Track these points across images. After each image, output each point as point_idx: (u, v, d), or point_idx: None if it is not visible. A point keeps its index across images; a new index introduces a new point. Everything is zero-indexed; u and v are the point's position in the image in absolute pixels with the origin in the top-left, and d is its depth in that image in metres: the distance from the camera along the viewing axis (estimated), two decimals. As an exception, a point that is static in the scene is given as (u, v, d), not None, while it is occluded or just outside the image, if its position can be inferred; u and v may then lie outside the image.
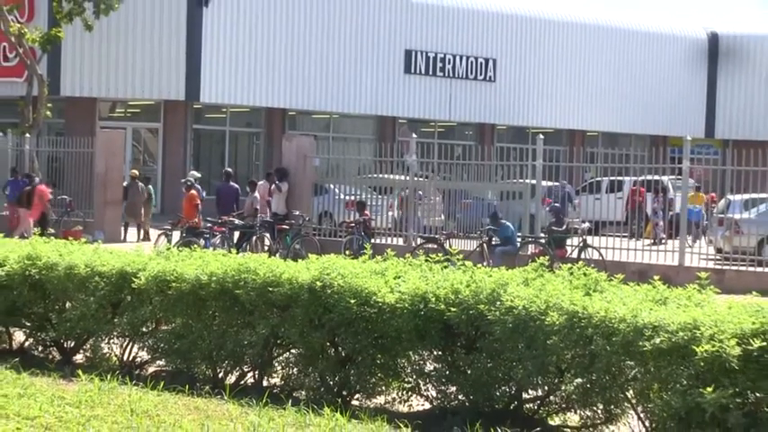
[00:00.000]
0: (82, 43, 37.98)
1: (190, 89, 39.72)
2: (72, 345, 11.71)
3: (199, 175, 30.79)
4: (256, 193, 28.75)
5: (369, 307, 9.38)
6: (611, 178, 32.51)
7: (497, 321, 8.86)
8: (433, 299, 9.20)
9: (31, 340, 12.11)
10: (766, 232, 24.79)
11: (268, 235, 26.19)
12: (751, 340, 7.69)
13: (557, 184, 29.33)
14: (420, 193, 28.57)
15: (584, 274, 9.49)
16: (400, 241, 26.58)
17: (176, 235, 25.57)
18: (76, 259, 11.34)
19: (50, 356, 11.78)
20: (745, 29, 53.48)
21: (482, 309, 8.98)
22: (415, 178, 28.43)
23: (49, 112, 36.17)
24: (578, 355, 8.55)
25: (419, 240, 25.94)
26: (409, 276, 9.72)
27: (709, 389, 7.58)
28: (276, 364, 10.39)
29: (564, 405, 9.15)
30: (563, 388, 9.00)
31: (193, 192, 27.76)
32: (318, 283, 9.65)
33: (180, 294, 10.35)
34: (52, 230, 24.35)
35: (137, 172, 33.14)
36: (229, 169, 32.18)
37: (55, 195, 29.76)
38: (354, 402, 9.74)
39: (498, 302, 8.94)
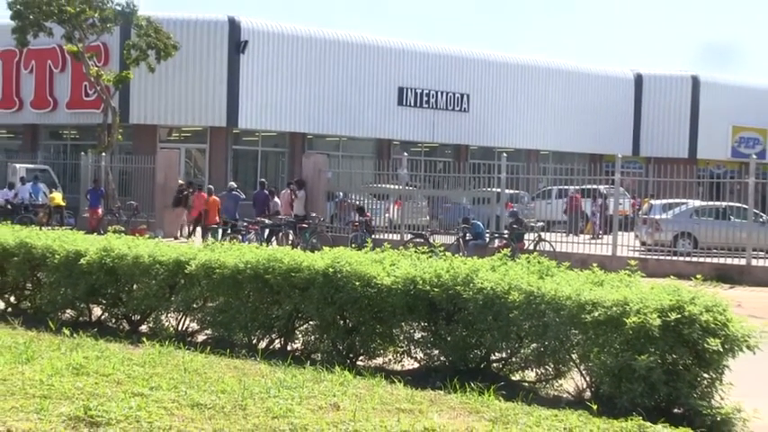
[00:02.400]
0: (146, 82, 38.01)
1: (230, 117, 39.81)
2: (138, 318, 11.72)
3: (235, 185, 30.78)
4: (277, 199, 28.88)
5: (370, 288, 9.39)
6: (559, 187, 32.58)
7: (471, 299, 8.88)
8: (421, 281, 9.21)
9: (106, 314, 12.12)
10: (680, 229, 24.87)
11: (291, 231, 26.28)
12: (669, 314, 7.72)
13: (519, 192, 29.39)
14: (351, 195, 28.80)
15: (539, 262, 9.53)
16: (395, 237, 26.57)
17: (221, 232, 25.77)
18: (142, 251, 11.35)
19: (121, 327, 11.78)
20: (661, 71, 53.56)
21: (459, 289, 9.00)
22: (406, 187, 28.45)
23: (120, 136, 36.22)
24: (534, 326, 8.57)
25: (409, 236, 25.96)
26: (402, 264, 9.73)
27: (644, 356, 7.59)
28: (298, 333, 10.41)
29: (523, 364, 9.16)
30: (522, 351, 9.02)
31: (214, 197, 27.88)
32: (331, 270, 9.67)
33: (222, 278, 10.35)
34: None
35: (182, 182, 33.13)
36: (263, 180, 32.27)
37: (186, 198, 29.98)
38: (359, 363, 9.75)
39: (471, 284, 8.96)
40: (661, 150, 50.25)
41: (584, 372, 8.53)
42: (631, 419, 7.15)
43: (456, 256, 10.14)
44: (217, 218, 27.19)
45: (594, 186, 30.30)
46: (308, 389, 7.97)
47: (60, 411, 6.96)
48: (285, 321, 10.28)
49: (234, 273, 10.27)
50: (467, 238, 24.90)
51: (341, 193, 29.72)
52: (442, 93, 45.60)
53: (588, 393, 8.41)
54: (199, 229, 28.05)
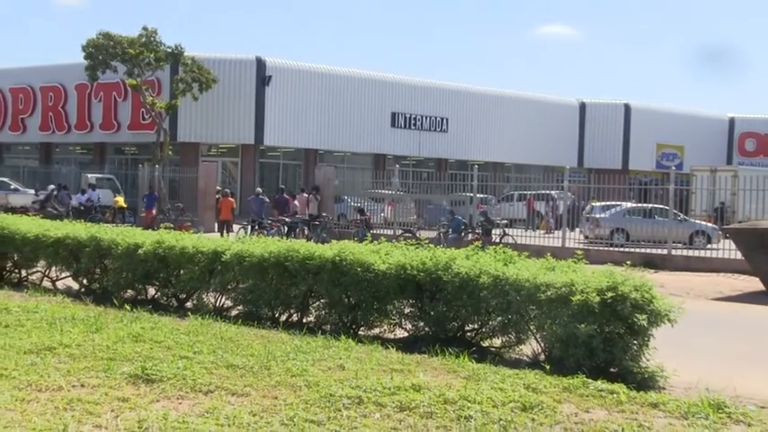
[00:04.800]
0: (191, 108, 37.98)
1: (257, 137, 39.82)
2: (184, 296, 11.69)
3: (261, 191, 30.76)
4: (296, 202, 28.90)
5: (369, 273, 9.38)
6: (520, 192, 32.57)
7: (449, 281, 8.88)
8: (409, 267, 9.19)
9: (158, 293, 12.08)
10: (615, 226, 24.90)
11: (306, 228, 26.27)
12: (606, 293, 7.72)
13: (487, 196, 29.38)
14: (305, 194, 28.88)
15: (504, 252, 9.52)
16: (388, 231, 26.55)
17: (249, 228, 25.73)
18: (187, 243, 11.34)
19: (171, 304, 11.76)
20: (600, 100, 53.62)
21: (440, 274, 8.99)
22: (398, 192, 28.44)
23: (169, 152, 36.24)
24: (500, 302, 8.56)
25: (400, 231, 25.93)
26: (394, 254, 9.72)
27: (586, 327, 7.60)
28: (311, 309, 10.37)
29: (491, 333, 9.15)
30: (490, 323, 9.01)
31: (230, 199, 27.95)
32: (338, 258, 9.65)
33: (251, 265, 10.33)
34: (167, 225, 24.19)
35: (219, 188, 33.10)
36: (282, 186, 32.29)
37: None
38: (360, 332, 9.73)
39: (450, 269, 8.95)
40: (600, 163, 50.31)
41: (539, 339, 8.53)
42: (576, 377, 7.16)
43: (438, 247, 10.14)
44: (230, 215, 27.32)
45: (548, 192, 30.32)
46: (319, 353, 7.97)
47: (123, 370, 6.97)
48: (301, 299, 10.26)
49: (260, 260, 10.25)
50: (447, 232, 24.88)
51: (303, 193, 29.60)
52: (426, 117, 45.65)
53: (542, 356, 8.41)
54: (235, 227, 28.01)
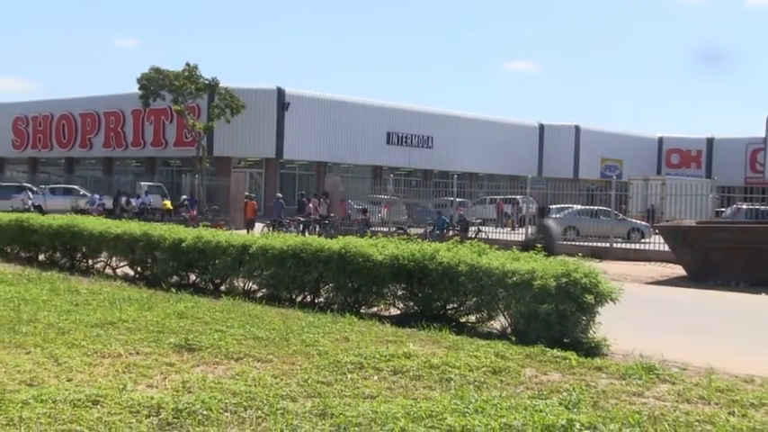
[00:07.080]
0: (224, 129, 37.95)
1: (278, 152, 39.80)
2: (219, 281, 11.66)
3: (281, 195, 30.70)
4: (310, 204, 28.84)
5: (368, 262, 9.36)
6: (491, 197, 32.56)
7: (434, 269, 8.86)
8: (401, 258, 9.17)
9: (198, 279, 12.03)
10: (568, 224, 24.92)
11: (318, 226, 26.24)
12: (561, 278, 7.71)
13: (465, 200, 29.37)
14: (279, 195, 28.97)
15: (478, 246, 9.51)
16: (384, 229, 26.53)
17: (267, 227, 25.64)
18: (221, 238, 11.33)
19: (208, 287, 11.72)
20: (556, 122, 53.59)
21: (426, 263, 8.97)
22: (392, 197, 28.43)
23: (207, 164, 36.22)
24: (475, 286, 8.56)
25: (394, 228, 25.92)
26: (389, 246, 9.70)
27: (545, 306, 7.60)
28: (322, 291, 10.33)
29: (467, 311, 9.12)
30: (467, 303, 8.99)
31: (253, 202, 28.01)
32: (343, 250, 9.63)
33: (273, 256, 10.31)
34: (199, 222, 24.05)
35: (247, 193, 33.11)
36: (302, 192, 32.23)
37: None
38: (362, 311, 9.71)
39: (434, 259, 8.94)
40: (556, 173, 50.21)
41: (506, 316, 8.53)
42: (537, 347, 7.16)
43: (424, 241, 10.14)
44: (253, 214, 27.56)
45: (513, 196, 30.32)
46: (328, 327, 7.97)
47: (169, 341, 6.97)
48: (313, 284, 10.23)
49: (280, 252, 10.23)
50: (432, 229, 24.85)
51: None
52: (414, 135, 45.68)
53: (509, 330, 8.41)
54: (259, 225, 27.95)
